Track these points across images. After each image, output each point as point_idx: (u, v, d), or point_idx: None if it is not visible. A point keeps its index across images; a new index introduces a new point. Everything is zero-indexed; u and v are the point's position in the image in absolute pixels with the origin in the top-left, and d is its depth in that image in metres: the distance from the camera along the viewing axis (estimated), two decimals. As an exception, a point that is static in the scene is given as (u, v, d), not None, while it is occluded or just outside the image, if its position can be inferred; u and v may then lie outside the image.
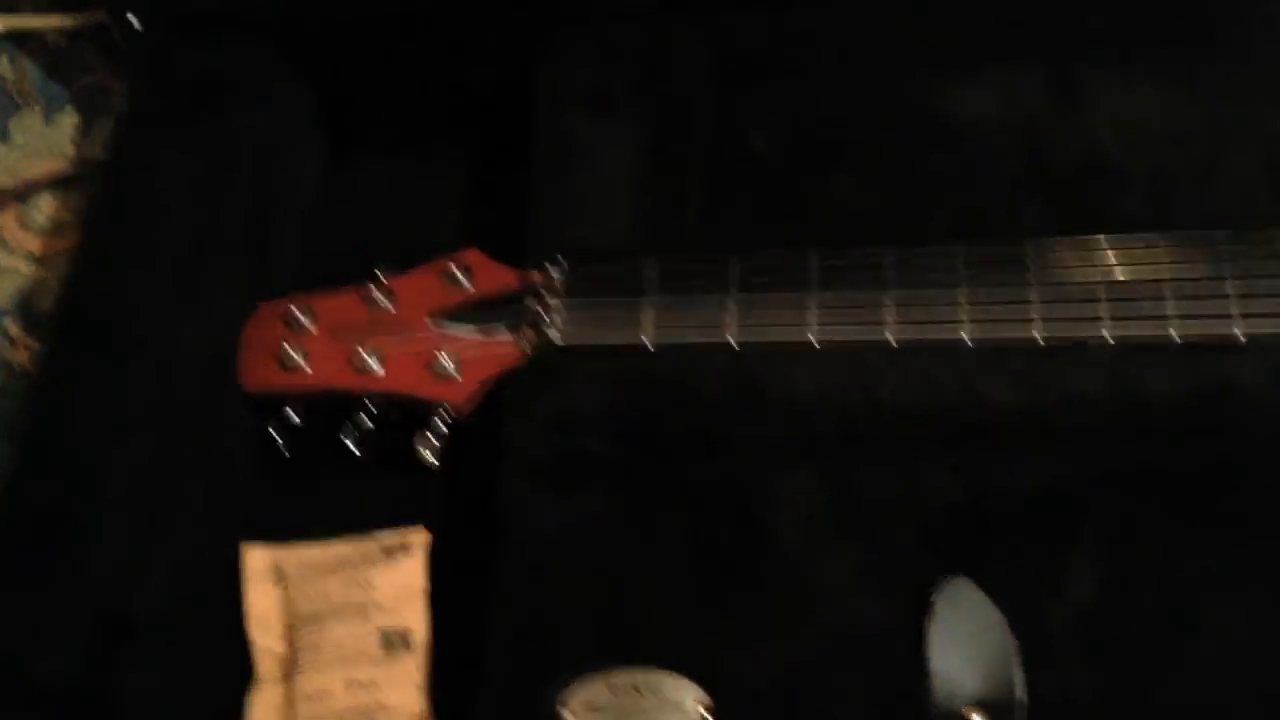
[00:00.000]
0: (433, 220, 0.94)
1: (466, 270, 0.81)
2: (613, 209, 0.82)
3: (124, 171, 0.88)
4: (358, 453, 0.80)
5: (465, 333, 0.79)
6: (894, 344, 0.73)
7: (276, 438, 0.81)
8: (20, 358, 1.00)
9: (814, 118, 0.84)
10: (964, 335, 0.73)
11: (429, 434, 0.79)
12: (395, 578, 0.78)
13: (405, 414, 0.80)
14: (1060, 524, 0.69)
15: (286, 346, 0.81)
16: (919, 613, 0.67)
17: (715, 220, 0.82)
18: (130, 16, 0.95)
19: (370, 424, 0.80)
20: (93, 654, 0.71)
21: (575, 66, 0.87)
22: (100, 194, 0.87)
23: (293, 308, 0.83)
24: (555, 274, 0.79)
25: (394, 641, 0.76)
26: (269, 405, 0.82)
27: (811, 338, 0.74)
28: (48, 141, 1.10)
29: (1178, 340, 0.71)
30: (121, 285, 0.83)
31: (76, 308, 0.82)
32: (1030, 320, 0.73)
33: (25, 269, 1.04)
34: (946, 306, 0.74)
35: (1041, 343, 0.72)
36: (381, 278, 0.83)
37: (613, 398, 0.75)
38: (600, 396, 0.75)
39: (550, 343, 0.77)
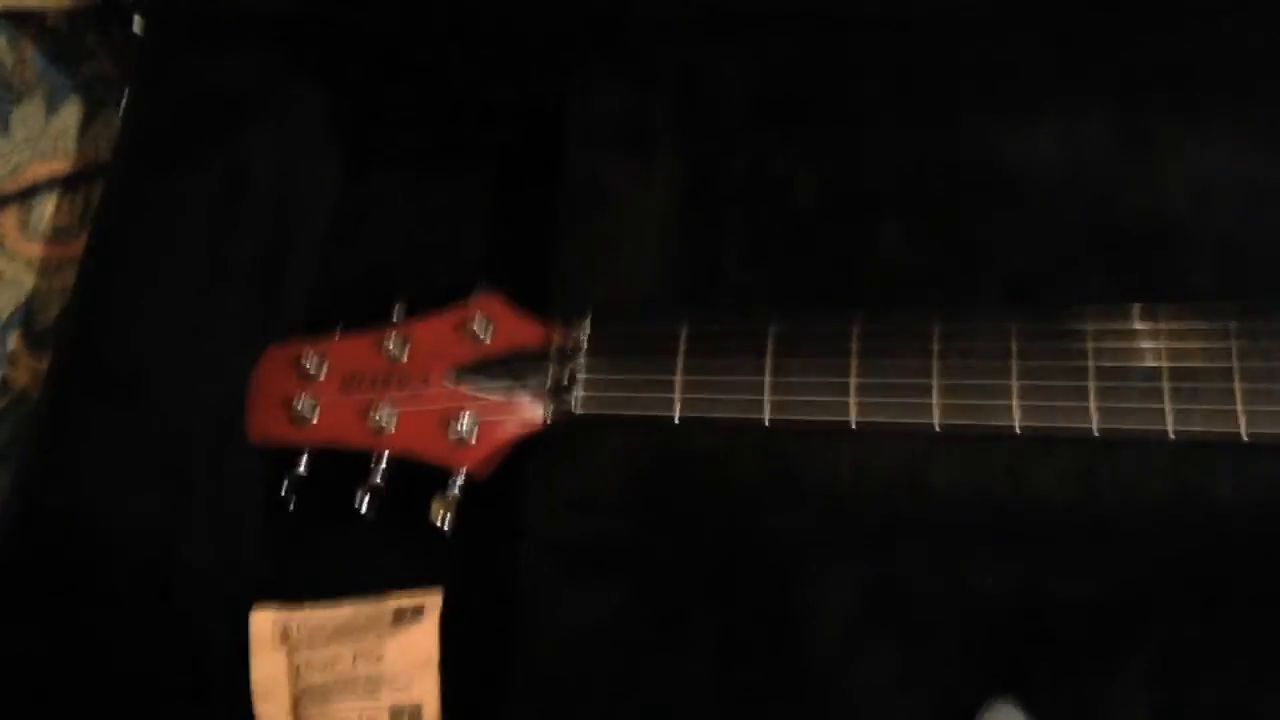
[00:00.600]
0: (454, 239, 0.89)
1: (486, 322, 0.76)
2: (643, 259, 0.77)
3: (129, 196, 0.83)
4: (366, 512, 0.76)
5: (484, 392, 0.75)
6: (938, 428, 0.69)
7: (285, 492, 0.78)
8: (21, 378, 0.96)
9: (861, 162, 0.78)
10: (1014, 422, 0.68)
11: (444, 496, 0.75)
12: (406, 647, 0.75)
13: (421, 471, 0.76)
14: (1114, 639, 0.65)
15: (296, 397, 0.77)
16: (960, 733, 0.63)
17: (753, 273, 0.76)
18: (136, 19, 0.89)
19: (381, 482, 0.76)
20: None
21: (607, 98, 0.81)
22: (104, 220, 0.83)
23: (304, 353, 0.78)
24: (580, 333, 0.74)
25: (404, 720, 0.73)
26: (278, 456, 0.79)
27: (851, 419, 0.69)
28: (50, 135, 1.05)
29: (1245, 438, 0.66)
30: (128, 324, 0.78)
31: (80, 348, 0.78)
32: (1086, 407, 0.68)
33: (27, 279, 1.00)
34: (997, 388, 0.69)
35: (1097, 434, 0.67)
36: (397, 320, 0.79)
37: (636, 476, 0.71)
38: (623, 474, 0.71)
39: (571, 410, 0.72)
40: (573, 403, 0.72)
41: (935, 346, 0.69)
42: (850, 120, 0.79)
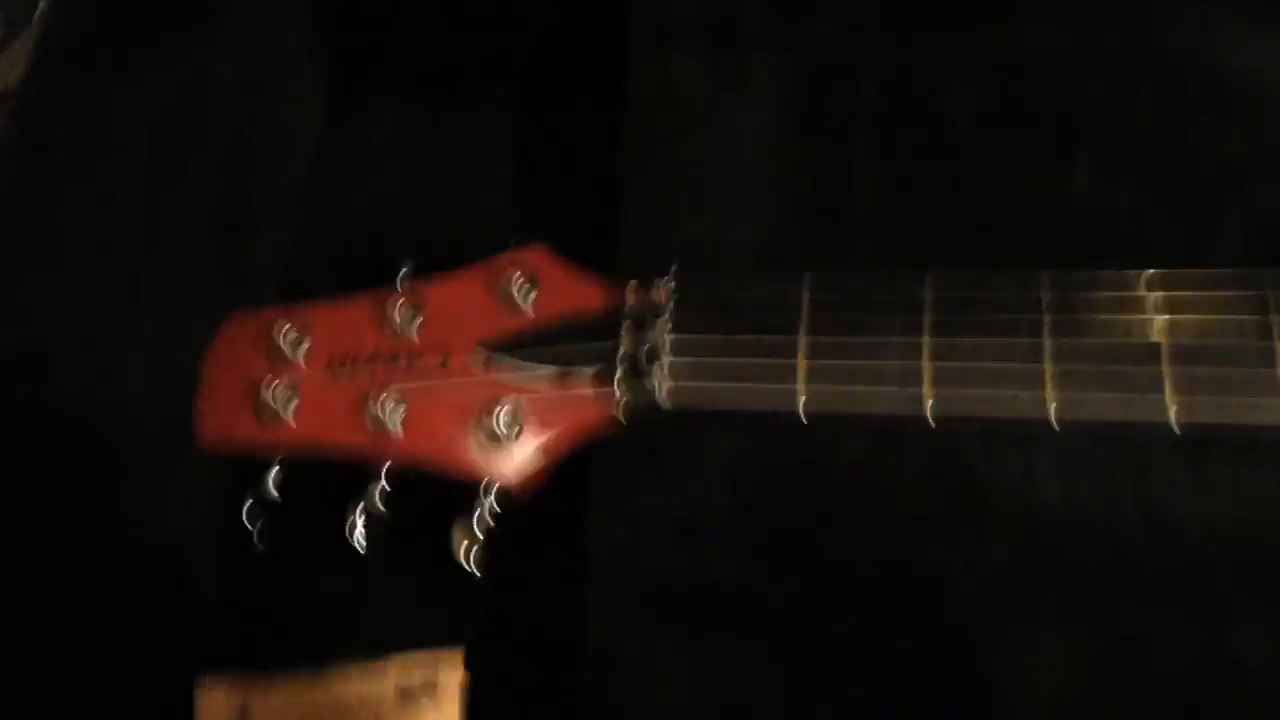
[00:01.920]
0: (474, 182, 0.69)
1: (529, 280, 0.56)
2: (743, 198, 0.56)
3: (46, 119, 0.62)
4: (361, 544, 0.55)
5: (527, 377, 0.54)
6: (1177, 429, 0.48)
7: (249, 517, 0.56)
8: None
9: (1038, 71, 0.57)
10: (1286, 418, 0.48)
11: (471, 522, 0.54)
12: (416, 734, 0.54)
13: (437, 489, 0.55)
14: None
15: (265, 385, 0.56)
16: None
17: (893, 217, 0.56)
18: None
19: (383, 500, 0.55)
20: None
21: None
22: (12, 150, 0.62)
23: (278, 322, 0.57)
24: (662, 294, 0.54)
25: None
26: (240, 466, 0.58)
27: (1050, 413, 0.49)
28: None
29: None
30: (36, 286, 0.58)
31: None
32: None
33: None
34: (1253, 372, 0.49)
35: None
36: (404, 282, 0.58)
37: (749, 494, 0.50)
38: (730, 491, 0.51)
39: (654, 402, 0.51)
40: (655, 390, 0.51)
41: (1160, 305, 0.49)
42: (1018, 14, 0.58)
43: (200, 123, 0.63)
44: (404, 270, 0.59)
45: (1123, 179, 0.55)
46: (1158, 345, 0.49)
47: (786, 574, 0.49)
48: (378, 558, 0.56)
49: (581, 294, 0.56)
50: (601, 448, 0.52)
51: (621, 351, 0.53)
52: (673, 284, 0.54)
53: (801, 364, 0.51)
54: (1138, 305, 0.50)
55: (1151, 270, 0.50)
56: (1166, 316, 0.50)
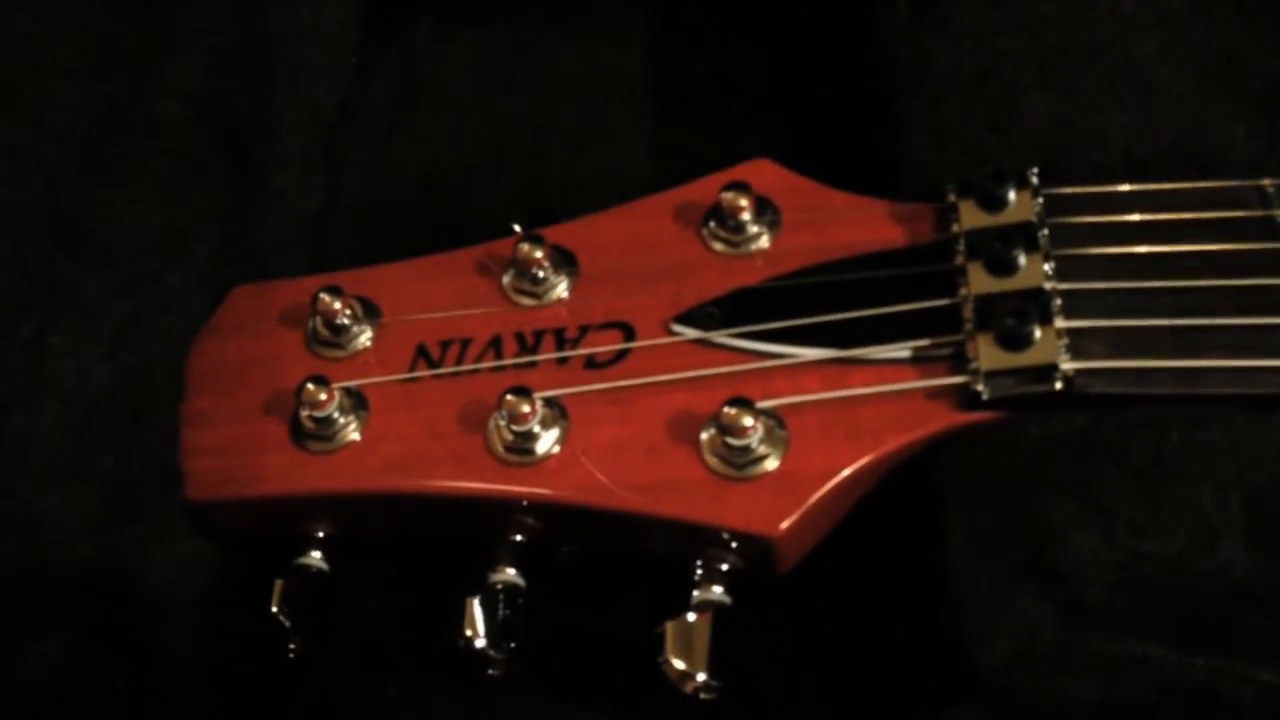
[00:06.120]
0: (586, 108, 0.46)
1: (755, 210, 0.33)
2: (1118, 64, 0.35)
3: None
4: (490, 651, 0.31)
5: (786, 368, 0.31)
6: None
7: (281, 616, 0.32)
8: None
9: None
10: None
11: (701, 612, 0.31)
12: None
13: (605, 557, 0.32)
14: None
15: (313, 392, 0.32)
16: None
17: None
18: None
19: (515, 584, 0.32)
20: None
21: None
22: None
23: (321, 293, 0.34)
24: (1024, 208, 0.31)
25: None
26: (258, 535, 0.34)
27: None
28: None
29: None
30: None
31: None
32: None
33: None
34: None
35: None
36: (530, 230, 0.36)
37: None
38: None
39: (1043, 392, 0.29)
40: (1049, 373, 0.29)
41: None
42: None
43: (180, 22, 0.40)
44: (528, 217, 0.37)
45: None
46: None
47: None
48: (510, 681, 0.32)
49: (855, 224, 0.34)
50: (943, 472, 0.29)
51: (969, 313, 0.30)
52: (1040, 199, 0.32)
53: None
54: None
55: None
56: None
